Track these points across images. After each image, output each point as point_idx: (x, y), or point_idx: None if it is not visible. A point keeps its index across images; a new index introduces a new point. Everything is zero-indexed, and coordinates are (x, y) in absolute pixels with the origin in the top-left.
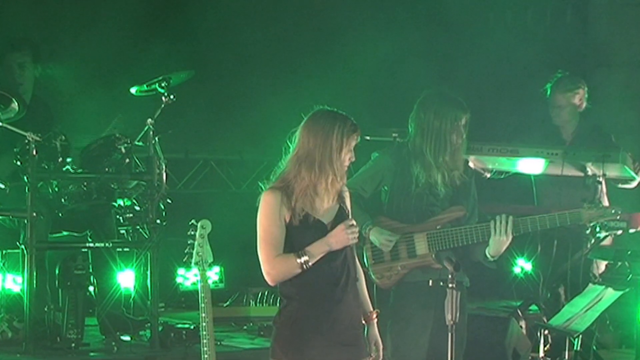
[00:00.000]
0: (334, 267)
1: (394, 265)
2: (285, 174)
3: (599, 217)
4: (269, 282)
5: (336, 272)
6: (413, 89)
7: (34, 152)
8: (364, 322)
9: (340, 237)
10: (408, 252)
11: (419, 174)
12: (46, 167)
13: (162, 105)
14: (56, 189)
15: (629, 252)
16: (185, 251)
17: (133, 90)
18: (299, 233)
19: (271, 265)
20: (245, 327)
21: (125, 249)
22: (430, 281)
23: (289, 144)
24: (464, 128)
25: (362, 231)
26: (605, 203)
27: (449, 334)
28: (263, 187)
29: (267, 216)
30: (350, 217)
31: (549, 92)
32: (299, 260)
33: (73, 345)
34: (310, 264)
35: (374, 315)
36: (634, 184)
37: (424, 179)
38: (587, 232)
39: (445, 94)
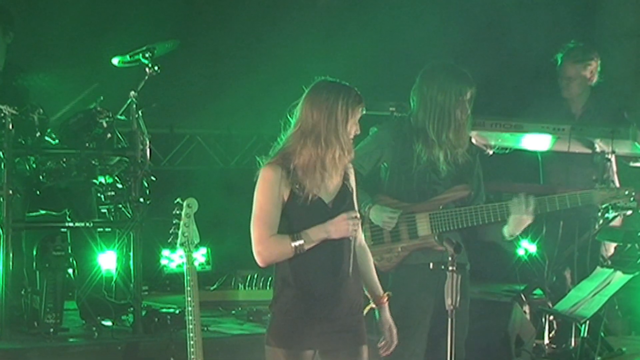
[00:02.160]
0: (334, 250)
1: (394, 247)
2: (286, 149)
3: (612, 198)
4: (259, 263)
5: (336, 256)
6: (412, 60)
7: (10, 126)
8: (374, 306)
9: (341, 226)
10: (409, 232)
11: (420, 152)
12: (23, 142)
13: (146, 77)
14: (34, 165)
15: None
16: (170, 231)
17: (115, 61)
18: (297, 212)
19: (264, 246)
20: (233, 312)
21: (107, 229)
22: (431, 264)
23: (290, 118)
24: (469, 103)
25: (361, 210)
26: (616, 182)
27: (449, 319)
28: (261, 163)
29: (265, 193)
30: (354, 195)
31: (559, 62)
32: (293, 244)
33: (51, 330)
34: (305, 248)
35: (385, 299)
36: None
37: (426, 156)
38: (598, 213)
39: (449, 66)
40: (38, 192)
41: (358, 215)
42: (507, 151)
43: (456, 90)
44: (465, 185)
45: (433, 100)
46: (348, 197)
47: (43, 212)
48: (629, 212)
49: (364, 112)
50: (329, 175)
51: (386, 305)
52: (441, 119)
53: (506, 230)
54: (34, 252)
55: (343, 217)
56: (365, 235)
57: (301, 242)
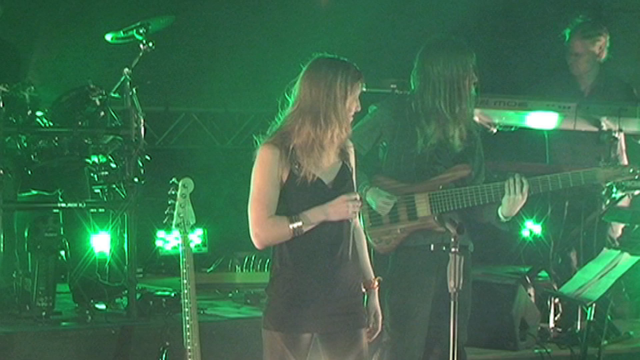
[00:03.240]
0: (333, 232)
1: (393, 229)
2: (284, 128)
3: (616, 176)
4: (257, 245)
5: (335, 237)
6: (417, 35)
7: (1, 104)
8: (364, 289)
9: (340, 208)
10: (408, 214)
11: (431, 133)
12: (14, 120)
13: (140, 54)
14: (25, 145)
15: None
16: (166, 212)
17: (108, 37)
18: (296, 192)
19: (261, 227)
20: (230, 295)
21: (100, 210)
22: (432, 245)
23: (287, 96)
24: (475, 70)
25: (359, 191)
26: (624, 161)
27: (451, 302)
28: (259, 142)
29: (262, 173)
30: (354, 175)
31: (567, 38)
32: (291, 226)
33: (43, 314)
34: (303, 230)
35: (375, 283)
36: None
37: (437, 137)
38: (603, 192)
39: (447, 40)
40: (29, 172)
41: (358, 197)
42: (512, 129)
43: (461, 61)
44: (465, 165)
45: (440, 77)
46: (348, 178)
47: (35, 192)
48: (637, 192)
49: (364, 88)
50: (324, 155)
51: (376, 290)
52: (452, 94)
53: (500, 211)
54: (26, 234)
55: (343, 199)
56: (363, 217)
57: (299, 224)
